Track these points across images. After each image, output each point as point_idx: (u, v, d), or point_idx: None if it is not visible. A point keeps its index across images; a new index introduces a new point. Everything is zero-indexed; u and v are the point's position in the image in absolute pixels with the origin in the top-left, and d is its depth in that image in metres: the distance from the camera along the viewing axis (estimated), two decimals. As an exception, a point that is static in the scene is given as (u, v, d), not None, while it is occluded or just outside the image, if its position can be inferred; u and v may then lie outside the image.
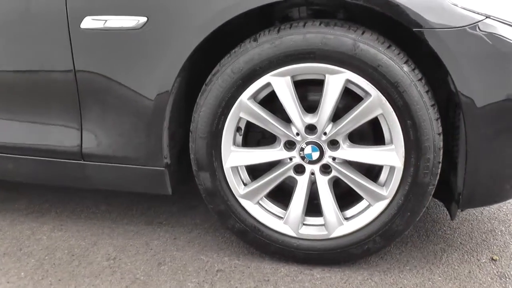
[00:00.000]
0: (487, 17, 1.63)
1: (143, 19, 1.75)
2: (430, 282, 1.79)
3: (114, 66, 1.84)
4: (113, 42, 1.81)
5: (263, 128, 1.85)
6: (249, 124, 1.86)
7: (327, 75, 1.70)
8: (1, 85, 2.00)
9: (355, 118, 1.73)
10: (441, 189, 1.87)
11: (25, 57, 1.93)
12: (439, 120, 1.70)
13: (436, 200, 2.13)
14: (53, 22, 1.85)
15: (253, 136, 1.98)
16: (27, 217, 2.32)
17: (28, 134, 2.03)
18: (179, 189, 1.97)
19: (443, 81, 1.73)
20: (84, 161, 1.96)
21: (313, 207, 1.91)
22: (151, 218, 2.29)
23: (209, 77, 1.79)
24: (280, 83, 1.73)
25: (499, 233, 2.11)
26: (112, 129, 1.90)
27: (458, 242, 2.04)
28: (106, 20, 1.79)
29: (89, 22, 1.80)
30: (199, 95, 1.81)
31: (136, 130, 1.87)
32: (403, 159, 1.72)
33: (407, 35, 1.70)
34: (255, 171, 1.93)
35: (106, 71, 1.84)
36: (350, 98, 1.80)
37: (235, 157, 1.83)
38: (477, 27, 1.61)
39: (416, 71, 1.67)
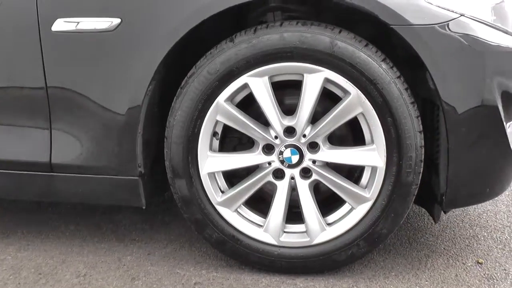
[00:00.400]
0: (461, 15, 1.64)
1: (116, 21, 1.71)
2: (417, 287, 1.73)
3: (86, 70, 1.77)
4: (86, 45, 1.74)
5: (240, 134, 1.80)
6: (225, 129, 1.81)
7: (305, 75, 1.67)
8: None
9: (335, 118, 1.69)
10: (422, 195, 1.84)
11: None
12: (419, 118, 1.67)
13: (417, 210, 2.10)
14: (23, 24, 1.77)
15: (230, 141, 1.92)
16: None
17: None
18: (152, 202, 1.88)
19: (420, 81, 1.73)
20: (53, 172, 1.87)
21: (293, 215, 1.84)
22: (123, 235, 2.18)
23: (185, 79, 1.73)
24: (258, 83, 1.68)
25: (482, 238, 2.08)
26: (83, 136, 1.81)
27: (442, 248, 1.99)
28: (78, 22, 1.72)
29: (60, 24, 1.73)
30: (175, 98, 1.74)
31: (108, 137, 1.79)
32: (384, 158, 1.68)
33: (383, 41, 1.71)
34: (233, 178, 1.87)
35: (77, 76, 1.77)
36: (329, 101, 1.77)
37: (212, 162, 1.76)
38: (451, 25, 1.61)
39: (395, 69, 1.66)
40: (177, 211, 2.26)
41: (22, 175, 1.89)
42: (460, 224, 2.19)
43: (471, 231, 2.14)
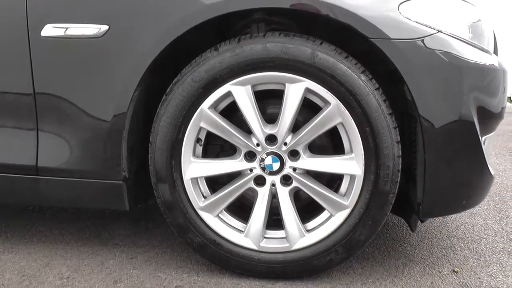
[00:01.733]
0: (438, 31, 1.70)
1: (104, 27, 1.76)
2: (393, 293, 1.77)
3: (73, 75, 1.80)
4: (74, 51, 1.78)
5: (222, 141, 1.84)
6: (208, 136, 1.85)
7: (287, 84, 1.72)
8: None
9: (315, 127, 1.74)
10: (400, 205, 1.89)
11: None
12: (397, 129, 1.73)
13: (396, 221, 2.14)
14: (13, 29, 1.81)
15: (213, 148, 1.97)
16: (-28, 242, 2.21)
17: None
18: (136, 207, 1.91)
19: (399, 95, 1.79)
20: (39, 175, 1.90)
21: (273, 222, 1.88)
22: (106, 240, 2.21)
23: (170, 86, 1.78)
24: (241, 92, 1.73)
25: (459, 248, 2.12)
26: (70, 141, 1.84)
27: (419, 257, 2.04)
28: (67, 28, 1.77)
29: (50, 30, 1.78)
30: (160, 105, 1.79)
31: (94, 142, 1.82)
32: (363, 167, 1.73)
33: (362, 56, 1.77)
34: (215, 185, 1.91)
35: (64, 81, 1.81)
36: (310, 111, 1.82)
37: (195, 168, 1.81)
38: (428, 40, 1.67)
39: (373, 80, 1.71)
40: (161, 218, 2.30)
41: (8, 178, 1.93)
42: (438, 235, 2.24)
43: (448, 241, 2.19)
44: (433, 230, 2.30)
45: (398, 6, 1.70)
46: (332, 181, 1.92)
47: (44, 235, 2.25)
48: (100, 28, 1.76)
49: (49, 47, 1.80)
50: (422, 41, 1.67)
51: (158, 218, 2.44)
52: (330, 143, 1.93)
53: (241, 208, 1.93)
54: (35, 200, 1.96)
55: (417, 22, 1.70)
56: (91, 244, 2.17)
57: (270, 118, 1.83)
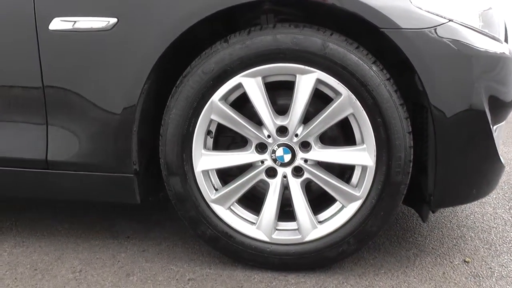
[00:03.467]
0: (450, 20, 1.69)
1: (113, 20, 1.74)
2: (406, 284, 1.77)
3: (82, 69, 1.79)
4: (82, 44, 1.77)
5: (233, 133, 1.83)
6: (218, 129, 1.85)
7: (297, 75, 1.71)
8: None
9: (326, 118, 1.73)
10: (411, 195, 1.88)
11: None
12: (408, 119, 1.72)
13: (407, 211, 2.15)
14: (21, 22, 1.80)
15: (223, 140, 1.96)
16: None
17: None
18: (147, 202, 1.91)
19: (409, 85, 1.78)
20: (49, 169, 1.89)
21: (285, 213, 1.88)
22: (117, 233, 2.21)
23: (180, 79, 1.77)
24: (251, 84, 1.72)
25: (469, 238, 2.12)
26: (80, 134, 1.84)
27: (430, 248, 2.04)
28: (75, 21, 1.76)
29: (58, 23, 1.76)
30: (170, 97, 1.78)
31: (104, 135, 1.82)
32: (374, 158, 1.73)
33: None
34: (226, 176, 1.90)
35: (74, 75, 1.80)
36: (320, 102, 1.82)
37: (207, 160, 1.80)
38: (440, 30, 1.66)
39: (385, 71, 1.70)
40: (171, 211, 2.30)
41: (18, 172, 1.93)
42: (448, 225, 2.24)
43: (458, 231, 2.19)
44: (443, 220, 2.29)
45: (410, -5, 1.69)
46: (342, 171, 1.91)
47: (55, 229, 2.25)
48: (108, 21, 1.75)
49: (57, 40, 1.78)
50: (434, 30, 1.66)
51: (168, 210, 2.44)
52: (341, 133, 1.92)
53: (252, 200, 1.93)
54: (45, 193, 1.97)
55: (428, 12, 1.68)
56: (102, 237, 2.17)
57: (281, 109, 1.82)
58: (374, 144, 1.72)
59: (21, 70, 1.85)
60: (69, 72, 1.81)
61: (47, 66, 1.81)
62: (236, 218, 1.86)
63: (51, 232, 2.22)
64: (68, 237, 2.17)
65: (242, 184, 1.81)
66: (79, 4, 1.78)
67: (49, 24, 1.78)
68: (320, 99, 1.81)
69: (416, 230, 2.20)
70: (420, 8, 1.68)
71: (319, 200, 1.90)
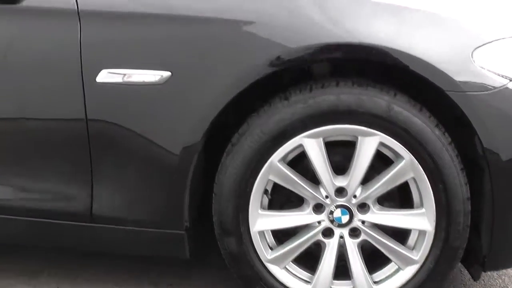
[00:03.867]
0: (511, 80, 1.66)
1: (166, 74, 1.67)
2: None
3: (129, 123, 1.73)
4: (131, 98, 1.71)
5: (288, 191, 1.79)
6: (273, 187, 1.80)
7: (360, 137, 1.67)
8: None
9: (387, 181, 1.70)
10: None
11: (34, 109, 1.79)
12: (467, 185, 1.70)
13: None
14: (66, 73, 1.72)
15: (277, 199, 1.91)
16: (17, 279, 2.12)
17: (26, 193, 1.88)
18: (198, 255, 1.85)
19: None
20: (94, 223, 1.83)
21: (337, 270, 1.85)
22: (157, 279, 2.14)
23: (236, 136, 1.72)
24: (312, 145, 1.68)
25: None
26: (128, 189, 1.79)
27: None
28: (125, 74, 1.68)
29: (105, 75, 1.68)
30: (225, 155, 1.73)
31: (154, 192, 1.77)
32: (434, 223, 1.70)
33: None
34: (280, 234, 1.86)
35: (121, 127, 1.72)
36: (376, 160, 1.78)
37: (264, 221, 1.76)
38: (503, 91, 1.64)
39: (446, 134, 1.68)
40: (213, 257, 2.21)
41: (62, 224, 1.86)
42: (489, 273, 2.22)
43: (500, 281, 2.18)
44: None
45: (472, 53, 1.65)
46: (397, 231, 1.89)
47: (90, 273, 2.16)
48: (162, 75, 1.68)
49: (104, 93, 1.71)
50: (497, 92, 1.63)
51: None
52: (396, 190, 1.89)
53: (305, 256, 1.89)
54: (90, 246, 1.91)
55: (491, 71, 1.65)
56: (142, 284, 2.11)
57: (335, 165, 1.78)
58: (434, 209, 1.69)
59: (66, 121, 1.78)
60: (115, 125, 1.73)
61: (93, 118, 1.73)
62: (291, 278, 1.82)
63: (86, 277, 2.14)
64: (106, 283, 2.11)
65: (299, 245, 1.77)
66: (130, 56, 1.71)
67: (96, 76, 1.70)
68: (377, 157, 1.78)
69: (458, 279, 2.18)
70: (483, 68, 1.65)
71: (371, 256, 1.88)
